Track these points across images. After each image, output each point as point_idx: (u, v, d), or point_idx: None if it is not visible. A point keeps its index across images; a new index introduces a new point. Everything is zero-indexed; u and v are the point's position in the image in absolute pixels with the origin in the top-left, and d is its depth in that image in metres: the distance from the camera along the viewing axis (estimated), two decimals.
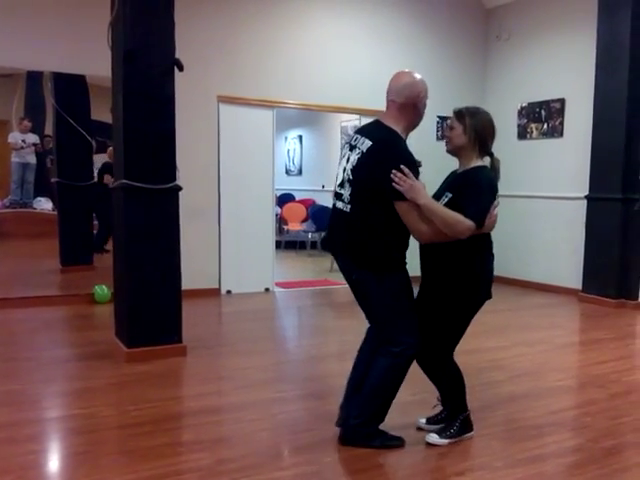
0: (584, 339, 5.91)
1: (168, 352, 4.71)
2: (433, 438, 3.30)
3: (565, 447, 3.32)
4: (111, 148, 8.09)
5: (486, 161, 3.17)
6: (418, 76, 3.09)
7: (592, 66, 7.09)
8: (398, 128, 3.04)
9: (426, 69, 8.29)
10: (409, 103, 3.03)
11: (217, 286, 7.37)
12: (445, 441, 3.30)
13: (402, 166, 2.89)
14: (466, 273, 3.09)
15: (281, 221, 11.96)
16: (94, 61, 5.47)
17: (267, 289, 7.71)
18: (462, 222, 2.92)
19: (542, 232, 8.04)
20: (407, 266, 3.12)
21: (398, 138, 3.03)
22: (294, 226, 11.83)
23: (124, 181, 4.56)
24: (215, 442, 3.29)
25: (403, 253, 3.11)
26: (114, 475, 2.90)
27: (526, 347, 5.27)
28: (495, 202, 3.04)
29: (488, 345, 5.27)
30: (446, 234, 2.95)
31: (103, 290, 6.58)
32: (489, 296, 3.19)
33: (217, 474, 2.92)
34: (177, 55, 4.69)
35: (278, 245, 10.01)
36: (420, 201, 2.92)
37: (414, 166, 2.96)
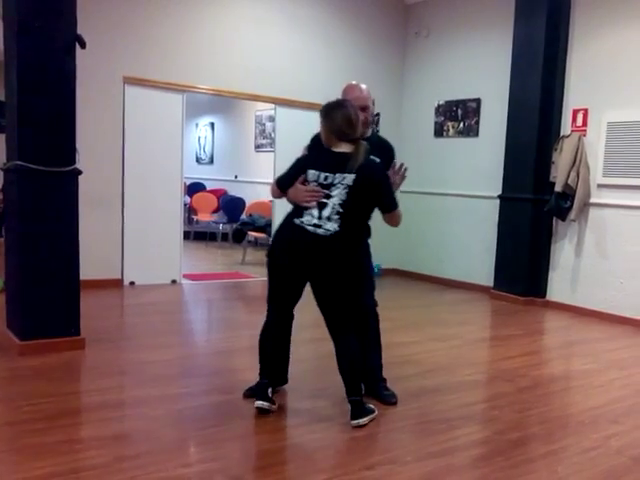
0: (494, 335, 6.02)
1: (65, 345, 4.47)
2: None
3: (473, 440, 3.35)
4: None
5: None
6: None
7: (507, 68, 7.22)
8: None
9: (344, 63, 8.27)
10: None
11: (119, 277, 7.02)
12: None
13: None
14: None
15: (190, 211, 11.68)
16: None
17: (174, 281, 7.44)
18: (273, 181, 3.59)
19: (456, 230, 8.11)
20: None
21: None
22: (204, 216, 11.59)
23: (18, 162, 4.27)
24: (115, 438, 3.13)
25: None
26: (3, 475, 2.72)
27: (438, 342, 5.30)
28: (301, 177, 3.38)
29: (400, 340, 5.25)
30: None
31: None
32: (277, 260, 3.40)
33: (116, 471, 2.76)
34: (79, 31, 4.40)
35: (187, 236, 9.78)
36: None
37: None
